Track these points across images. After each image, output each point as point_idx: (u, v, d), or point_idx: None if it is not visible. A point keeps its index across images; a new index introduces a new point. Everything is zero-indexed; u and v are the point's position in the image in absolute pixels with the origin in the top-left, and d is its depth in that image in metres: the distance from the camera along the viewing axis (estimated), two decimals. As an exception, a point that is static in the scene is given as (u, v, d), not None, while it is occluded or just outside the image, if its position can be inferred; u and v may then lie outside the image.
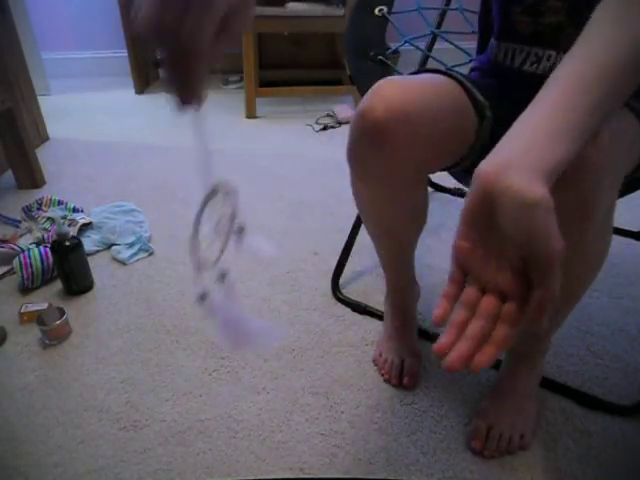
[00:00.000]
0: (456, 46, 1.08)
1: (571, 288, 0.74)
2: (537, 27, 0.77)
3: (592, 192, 0.58)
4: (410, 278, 1.02)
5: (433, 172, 0.83)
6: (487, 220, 0.44)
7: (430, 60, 1.20)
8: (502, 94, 0.78)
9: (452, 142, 0.76)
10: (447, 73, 0.78)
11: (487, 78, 0.85)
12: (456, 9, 1.20)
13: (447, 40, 1.13)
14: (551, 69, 0.76)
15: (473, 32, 1.02)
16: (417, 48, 1.16)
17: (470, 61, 0.99)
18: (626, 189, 0.75)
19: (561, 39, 0.76)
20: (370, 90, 0.70)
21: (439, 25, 1.23)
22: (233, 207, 0.50)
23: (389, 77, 0.72)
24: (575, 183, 0.56)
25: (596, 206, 0.60)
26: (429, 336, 1.05)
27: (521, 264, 0.44)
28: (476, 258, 0.46)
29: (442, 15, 1.23)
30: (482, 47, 0.95)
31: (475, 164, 0.85)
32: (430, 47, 1.22)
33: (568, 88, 0.48)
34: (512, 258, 0.44)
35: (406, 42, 1.12)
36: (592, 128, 0.48)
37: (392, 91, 0.68)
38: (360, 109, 0.69)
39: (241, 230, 0.51)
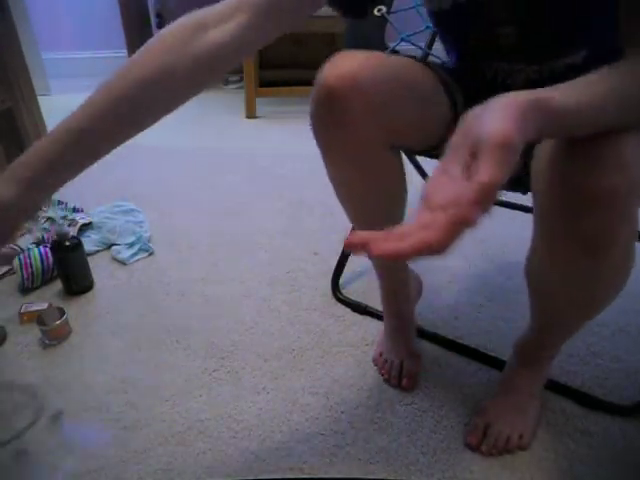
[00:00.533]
0: (417, 46, 1.07)
1: (582, 310, 0.74)
2: (494, 48, 0.76)
3: (615, 223, 0.56)
4: (402, 279, 0.99)
5: (404, 146, 0.80)
6: (460, 142, 0.43)
7: (430, 58, 1.20)
8: (477, 95, 0.78)
9: (419, 118, 0.74)
10: (421, 60, 0.78)
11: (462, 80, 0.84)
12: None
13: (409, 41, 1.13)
14: (526, 81, 0.76)
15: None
16: (415, 45, 1.16)
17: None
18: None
19: (521, 57, 0.75)
20: (329, 60, 0.70)
21: None
22: None
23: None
24: (597, 211, 0.55)
25: (619, 236, 0.58)
26: (429, 336, 1.05)
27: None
28: (435, 184, 0.42)
29: None
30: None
31: None
32: (430, 45, 1.22)
33: (574, 84, 0.49)
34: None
35: (402, 40, 1.12)
36: (596, 112, 0.49)
37: (344, 60, 0.69)
38: (316, 81, 0.70)
39: (57, 417, 0.51)
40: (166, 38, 0.61)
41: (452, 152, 0.43)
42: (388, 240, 0.37)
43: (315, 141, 0.75)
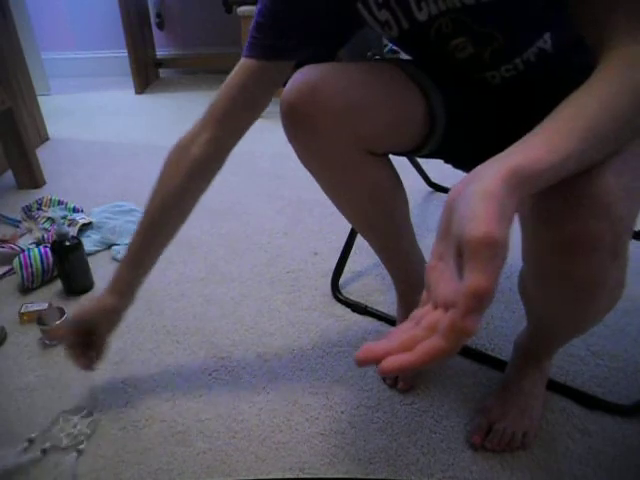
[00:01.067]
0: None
1: (571, 326, 0.75)
2: (455, 65, 0.75)
3: (605, 266, 0.56)
4: (412, 272, 0.97)
5: (380, 151, 0.79)
6: (447, 228, 0.40)
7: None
8: (455, 90, 0.77)
9: (392, 121, 0.73)
10: (392, 60, 0.78)
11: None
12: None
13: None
14: (505, 81, 0.75)
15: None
16: None
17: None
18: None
19: (485, 63, 0.74)
20: (292, 76, 0.72)
21: None
22: None
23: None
24: (584, 254, 0.55)
25: (609, 276, 0.58)
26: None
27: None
28: (435, 273, 0.41)
29: None
30: None
31: (438, 152, 0.83)
32: None
33: (563, 116, 0.46)
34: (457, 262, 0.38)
35: None
36: (582, 155, 0.46)
37: (303, 74, 0.70)
38: (282, 94, 0.72)
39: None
40: (168, 164, 0.82)
41: (440, 240, 0.42)
42: (397, 351, 0.38)
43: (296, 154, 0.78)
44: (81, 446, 0.84)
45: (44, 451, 0.83)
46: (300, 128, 0.72)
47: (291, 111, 0.71)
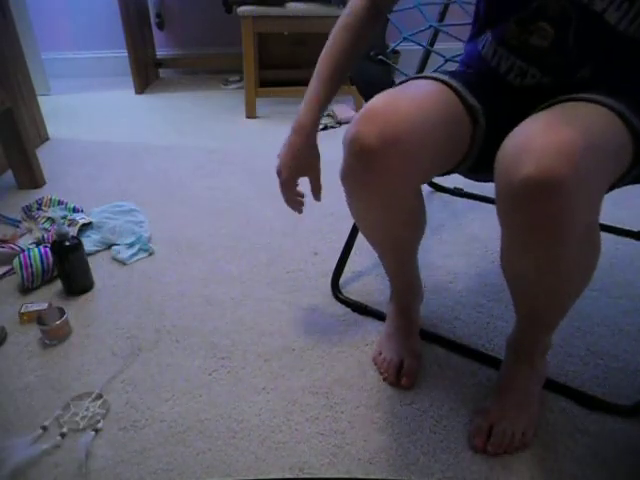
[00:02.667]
0: (456, 38, 1.07)
1: (555, 297, 0.75)
2: (522, 44, 0.76)
3: (562, 212, 0.57)
4: (413, 281, 1.03)
5: (427, 182, 0.84)
6: None
7: (432, 55, 1.20)
8: (491, 98, 0.78)
9: (446, 152, 0.76)
10: (439, 79, 0.78)
11: (475, 77, 0.84)
12: (455, 2, 1.20)
13: (447, 33, 1.13)
14: (536, 86, 0.77)
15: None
16: (417, 44, 1.15)
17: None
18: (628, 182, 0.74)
19: (544, 63, 0.76)
20: (360, 114, 0.70)
21: (442, 19, 1.23)
22: None
23: (379, 96, 0.72)
24: (543, 203, 0.57)
25: (568, 226, 0.59)
26: (429, 336, 1.05)
27: None
28: None
29: (444, 9, 1.23)
30: (476, 33, 0.92)
31: (472, 168, 0.85)
32: (432, 42, 1.21)
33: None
34: None
35: (405, 38, 1.12)
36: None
37: (382, 115, 0.69)
38: (352, 135, 0.70)
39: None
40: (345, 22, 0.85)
41: None
42: None
43: (342, 182, 0.77)
44: (99, 424, 0.87)
45: (63, 435, 0.85)
46: (373, 170, 0.71)
47: (369, 154, 0.69)
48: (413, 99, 0.73)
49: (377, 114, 0.69)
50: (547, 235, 0.60)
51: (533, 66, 0.76)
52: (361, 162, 0.71)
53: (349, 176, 0.75)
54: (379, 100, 0.71)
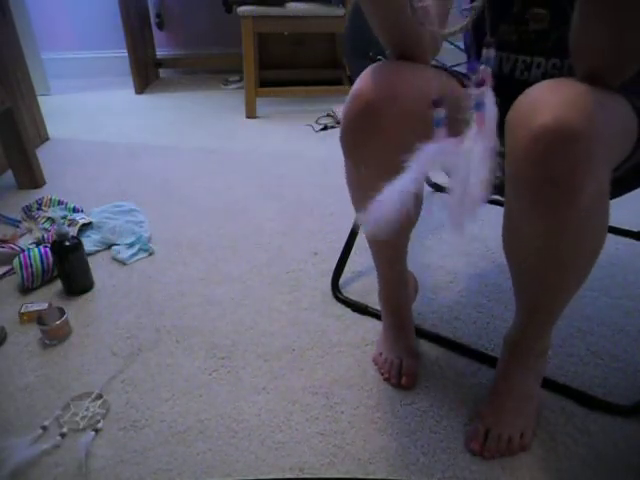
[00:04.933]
0: (455, 46, 1.08)
1: (561, 276, 0.72)
2: (521, 35, 0.78)
3: (577, 164, 0.56)
4: (402, 273, 1.00)
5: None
6: None
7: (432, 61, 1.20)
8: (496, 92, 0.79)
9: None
10: (445, 69, 0.79)
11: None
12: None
13: (447, 40, 1.13)
14: (543, 76, 0.77)
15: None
16: None
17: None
18: (622, 186, 0.74)
19: (546, 45, 0.77)
20: (365, 72, 0.71)
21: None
22: None
23: (385, 60, 0.74)
24: (559, 154, 0.56)
25: (581, 181, 0.57)
26: (429, 336, 1.05)
27: None
28: None
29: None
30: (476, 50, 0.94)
31: None
32: None
33: None
34: None
35: None
36: None
37: (382, 72, 0.70)
38: (352, 91, 0.71)
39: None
40: None
41: None
42: None
43: (341, 144, 0.76)
44: (99, 424, 0.87)
45: (63, 435, 0.85)
46: (371, 125, 0.71)
47: (367, 107, 0.70)
48: (415, 65, 0.75)
49: (377, 70, 0.71)
50: (560, 190, 0.59)
51: (536, 55, 0.78)
52: (359, 117, 0.71)
53: (349, 135, 0.75)
54: (385, 62, 0.73)
